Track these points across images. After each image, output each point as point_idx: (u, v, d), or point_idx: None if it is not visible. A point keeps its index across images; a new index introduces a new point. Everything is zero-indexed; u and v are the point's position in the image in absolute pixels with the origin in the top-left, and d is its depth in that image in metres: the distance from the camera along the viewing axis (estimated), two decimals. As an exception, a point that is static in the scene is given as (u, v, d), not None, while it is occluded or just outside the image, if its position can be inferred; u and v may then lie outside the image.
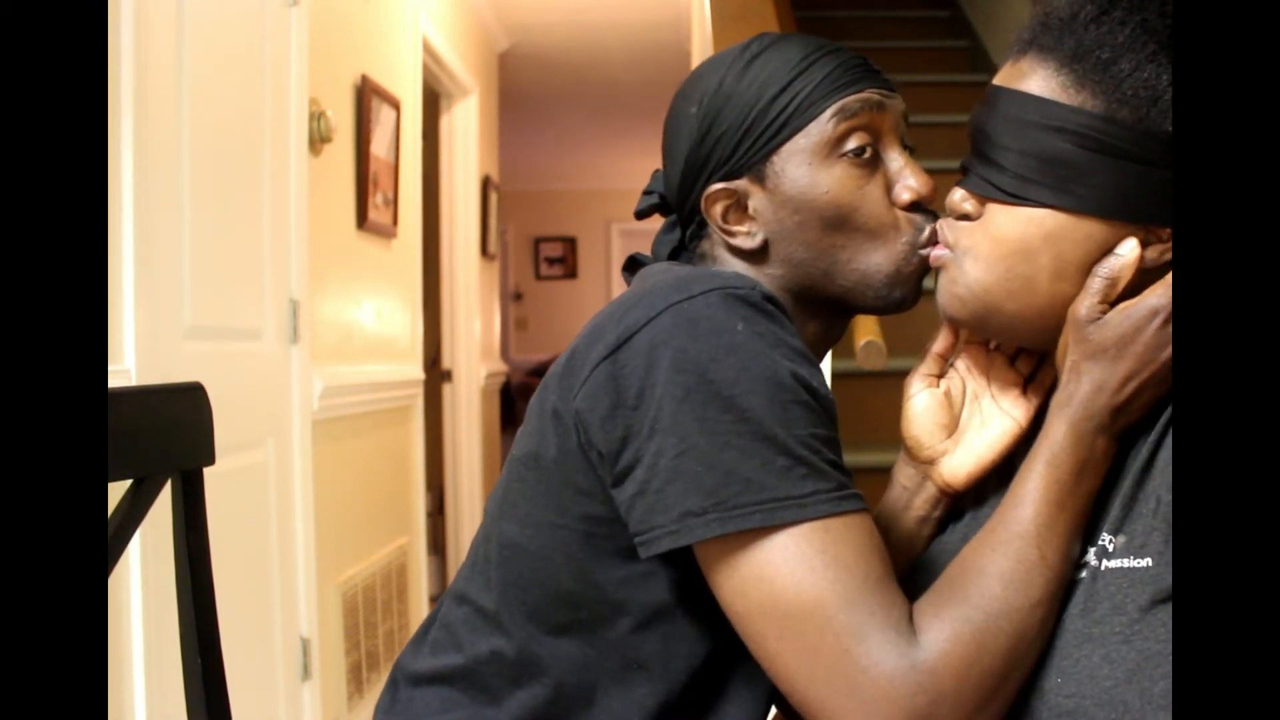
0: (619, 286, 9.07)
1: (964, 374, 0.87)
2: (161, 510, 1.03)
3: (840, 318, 0.89)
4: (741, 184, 0.85)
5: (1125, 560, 0.69)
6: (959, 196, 0.77)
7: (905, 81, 4.02)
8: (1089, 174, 0.70)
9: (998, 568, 0.69)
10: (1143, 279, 0.72)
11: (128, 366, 1.64)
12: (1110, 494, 0.73)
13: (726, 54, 0.87)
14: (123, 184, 1.63)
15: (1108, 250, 0.72)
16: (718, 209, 0.86)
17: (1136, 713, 0.64)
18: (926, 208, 0.84)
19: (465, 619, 0.84)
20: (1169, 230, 0.71)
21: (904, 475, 0.88)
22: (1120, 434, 0.72)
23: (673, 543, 0.70)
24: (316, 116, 2.43)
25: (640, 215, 0.95)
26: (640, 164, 7.93)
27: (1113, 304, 0.72)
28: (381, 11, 3.00)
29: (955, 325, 0.83)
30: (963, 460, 0.84)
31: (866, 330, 1.88)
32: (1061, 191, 0.71)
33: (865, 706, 0.66)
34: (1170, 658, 0.64)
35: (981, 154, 0.76)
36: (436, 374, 4.16)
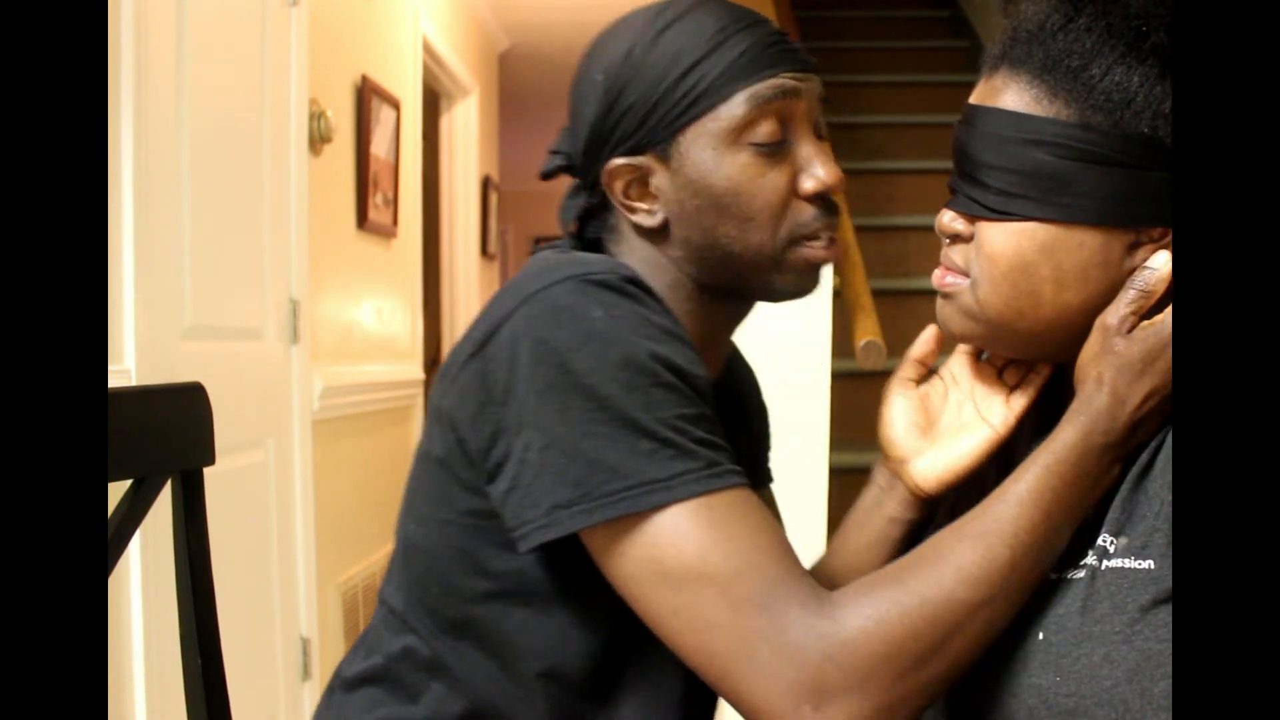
0: (619, 286, 9.07)
1: (949, 380, 0.87)
2: (161, 510, 1.03)
3: (742, 303, 0.87)
4: (645, 160, 0.81)
5: (1125, 561, 0.69)
6: (948, 218, 0.77)
7: (906, 82, 4.04)
8: (1071, 183, 0.71)
9: (958, 558, 0.68)
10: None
11: (128, 366, 1.64)
12: (1108, 496, 0.73)
13: (638, 17, 0.83)
14: (123, 184, 1.63)
15: (1102, 256, 0.72)
16: (619, 184, 0.83)
17: (1137, 712, 0.64)
18: (830, 198, 0.82)
19: (383, 619, 0.85)
20: (1159, 230, 0.71)
21: (880, 475, 0.88)
22: (1128, 453, 0.72)
23: (543, 536, 0.70)
24: (316, 116, 2.43)
25: (546, 176, 0.91)
26: (640, 164, 7.91)
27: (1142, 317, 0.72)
28: (381, 11, 3.00)
29: (961, 342, 0.83)
30: (933, 464, 0.83)
31: (866, 330, 1.88)
32: (1046, 203, 0.71)
33: (769, 676, 0.65)
34: (1171, 658, 0.64)
35: (965, 174, 0.76)
36: (436, 374, 4.16)
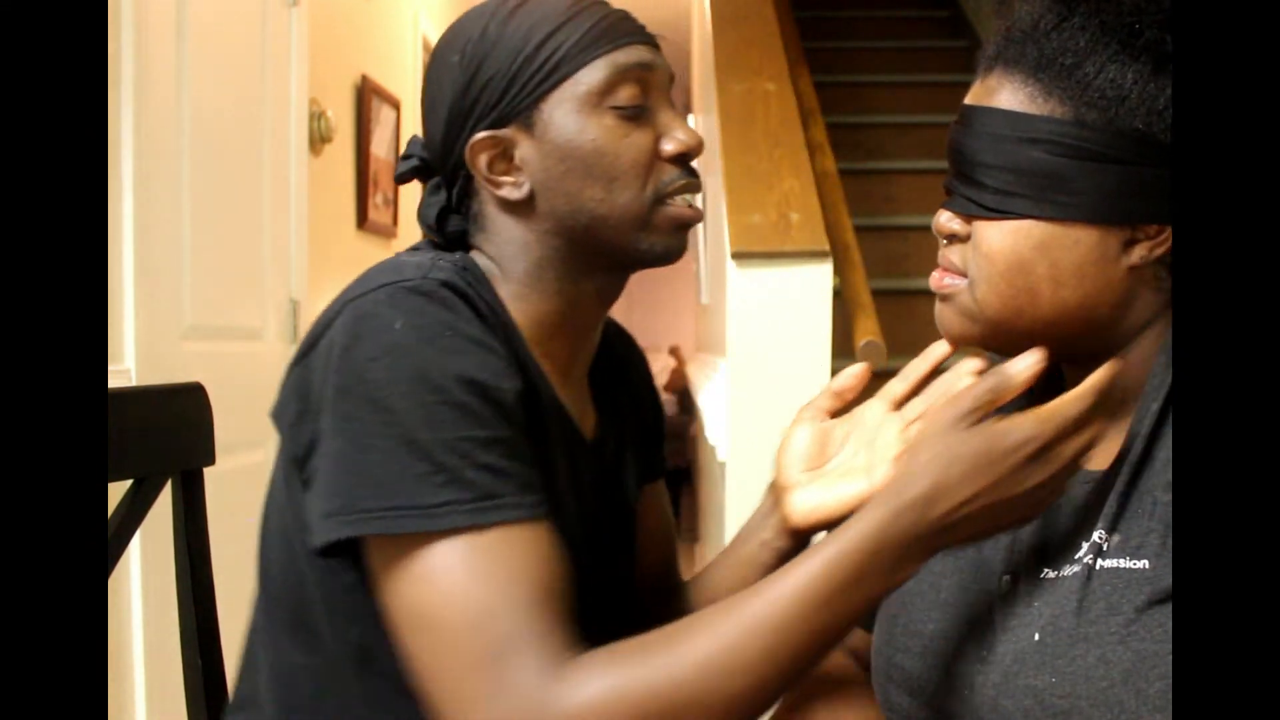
0: (619, 286, 9.04)
1: (856, 422, 0.85)
2: (161, 510, 1.03)
3: (614, 274, 0.86)
4: (508, 132, 0.81)
5: (1121, 560, 0.68)
6: (945, 218, 0.77)
7: (906, 82, 4.04)
8: (1067, 180, 0.71)
9: (713, 641, 0.65)
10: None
11: (128, 366, 1.64)
12: (1106, 487, 0.72)
13: (487, 4, 0.84)
14: (123, 184, 1.63)
15: (1099, 253, 0.72)
16: (483, 159, 0.81)
17: (1132, 713, 0.64)
18: (689, 164, 0.84)
19: (249, 641, 0.84)
20: (1154, 227, 0.71)
21: (766, 498, 0.88)
22: (928, 557, 0.68)
23: (315, 541, 0.70)
24: (316, 116, 2.43)
25: (400, 180, 0.90)
26: (640, 164, 7.91)
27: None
28: (381, 11, 3.00)
29: (959, 344, 0.82)
30: (807, 500, 0.82)
31: (866, 330, 1.88)
32: (1043, 201, 0.71)
33: None
34: (1167, 658, 0.64)
35: (962, 174, 0.76)
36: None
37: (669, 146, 0.82)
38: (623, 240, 0.82)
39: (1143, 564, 0.67)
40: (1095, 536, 0.70)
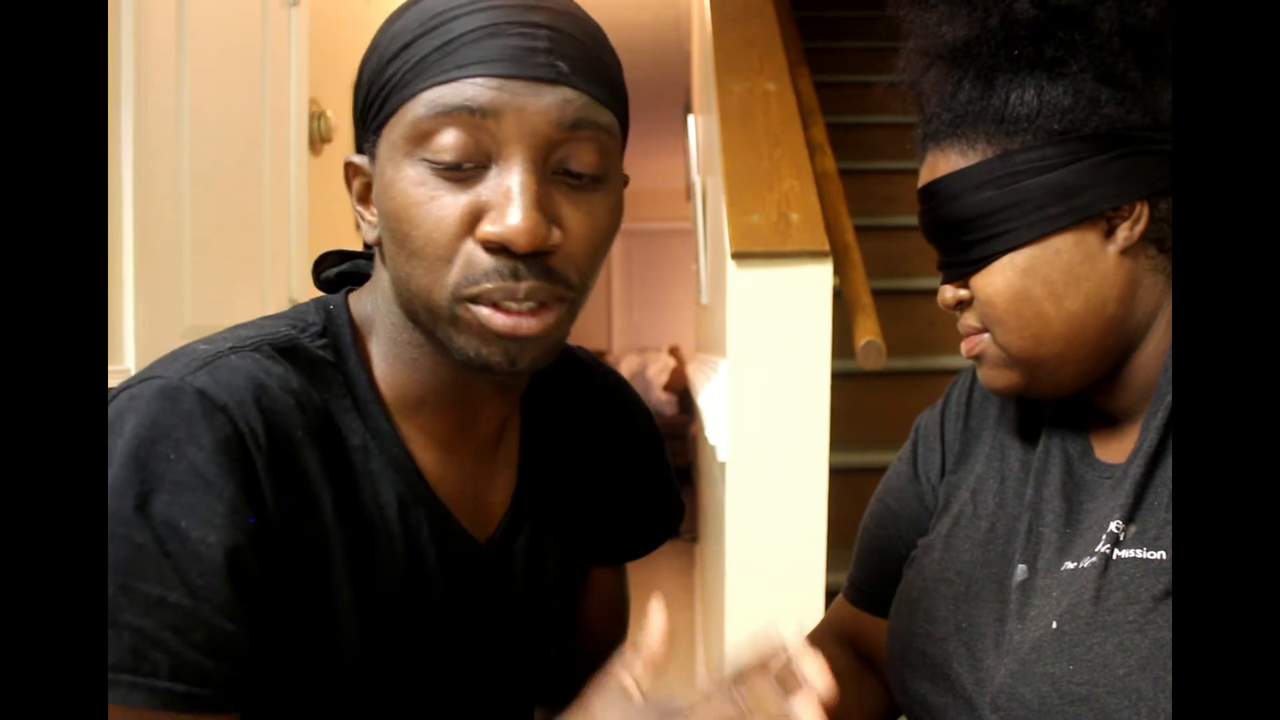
0: (619, 286, 9.05)
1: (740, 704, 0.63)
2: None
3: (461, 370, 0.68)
4: (365, 161, 0.69)
5: (1138, 551, 0.70)
6: (949, 293, 0.82)
7: (904, 82, 4.01)
8: (1023, 205, 0.75)
9: None
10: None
11: (128, 366, 1.64)
12: (1123, 479, 0.74)
13: None
14: (123, 184, 1.63)
15: (1082, 253, 0.75)
16: (355, 185, 0.70)
17: (1150, 701, 0.65)
18: (518, 257, 0.62)
19: None
20: (1126, 207, 0.75)
21: None
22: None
23: None
24: (316, 116, 2.43)
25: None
26: (641, 164, 7.92)
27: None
28: (382, 12, 3.00)
29: (1014, 395, 0.82)
30: None
31: (866, 330, 1.88)
32: (1010, 233, 0.76)
33: None
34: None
35: (942, 246, 0.81)
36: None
37: (485, 228, 0.61)
38: (435, 331, 0.65)
39: (1160, 555, 0.69)
40: (1112, 527, 0.72)
